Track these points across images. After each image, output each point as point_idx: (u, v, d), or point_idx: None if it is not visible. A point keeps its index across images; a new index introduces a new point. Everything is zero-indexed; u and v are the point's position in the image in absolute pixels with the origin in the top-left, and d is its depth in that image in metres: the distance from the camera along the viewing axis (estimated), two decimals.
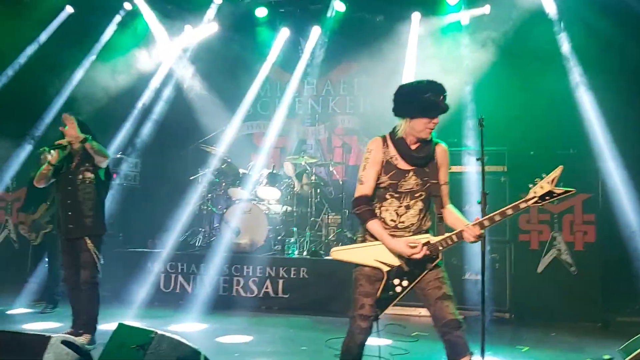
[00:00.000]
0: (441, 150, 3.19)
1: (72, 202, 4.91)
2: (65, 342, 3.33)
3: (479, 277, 6.69)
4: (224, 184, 8.27)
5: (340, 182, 8.71)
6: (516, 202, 3.00)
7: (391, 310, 6.51)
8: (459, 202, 6.33)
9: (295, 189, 8.11)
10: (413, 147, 3.12)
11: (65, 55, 9.17)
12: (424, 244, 3.03)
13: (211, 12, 9.42)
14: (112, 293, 7.13)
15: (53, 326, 5.77)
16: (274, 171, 8.27)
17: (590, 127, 7.22)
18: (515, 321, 6.55)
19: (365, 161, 3.15)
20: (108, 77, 9.50)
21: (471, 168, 6.82)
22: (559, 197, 2.97)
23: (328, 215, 8.15)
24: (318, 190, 8.19)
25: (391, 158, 3.12)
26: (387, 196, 3.14)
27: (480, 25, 8.19)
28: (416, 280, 3.05)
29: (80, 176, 4.93)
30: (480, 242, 3.99)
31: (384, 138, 3.17)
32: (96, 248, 4.91)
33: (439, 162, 3.18)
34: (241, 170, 8.33)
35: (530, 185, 3.02)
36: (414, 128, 3.04)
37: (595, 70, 7.30)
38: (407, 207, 3.12)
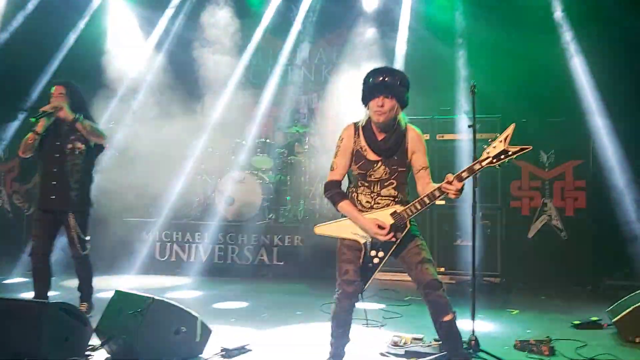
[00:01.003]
0: (413, 135, 3.24)
1: (58, 172, 4.62)
2: (63, 309, 3.38)
3: (470, 243, 6.84)
4: (217, 153, 8.27)
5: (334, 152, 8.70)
6: (470, 165, 3.02)
7: (384, 276, 6.64)
8: (451, 170, 6.35)
9: (287, 158, 8.11)
10: (380, 136, 3.20)
11: (54, 24, 9.05)
12: (391, 214, 3.13)
13: None
14: (108, 262, 7.19)
15: (49, 295, 5.82)
16: (267, 140, 8.26)
17: (582, 94, 7.22)
18: (505, 285, 6.67)
19: (337, 148, 3.27)
20: (98, 45, 9.42)
21: (463, 136, 6.84)
22: (514, 155, 2.96)
23: (322, 184, 8.17)
24: (311, 159, 8.21)
25: (361, 148, 3.21)
26: (359, 183, 3.25)
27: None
28: (391, 250, 3.16)
29: (70, 145, 4.64)
30: (471, 208, 4.10)
31: (356, 126, 3.25)
32: (81, 224, 4.70)
33: (410, 148, 3.22)
34: (234, 140, 8.31)
35: (484, 147, 3.03)
36: (370, 113, 3.15)
37: (587, 37, 7.26)
38: (379, 195, 3.22)
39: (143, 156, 8.42)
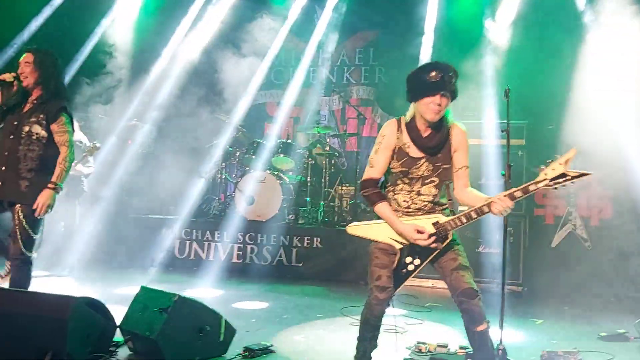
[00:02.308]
0: (457, 133, 3.15)
1: (10, 156, 3.95)
2: (89, 304, 3.37)
3: (493, 250, 6.77)
4: (238, 152, 8.27)
5: (354, 153, 8.67)
6: (525, 184, 2.92)
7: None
8: (476, 176, 6.32)
9: (308, 159, 8.08)
10: (425, 133, 3.10)
11: (83, 17, 9.12)
12: (434, 224, 3.03)
13: None
14: (128, 258, 7.22)
15: (69, 290, 5.85)
16: (288, 141, 8.24)
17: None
18: (528, 294, 6.57)
19: (378, 145, 3.16)
20: (124, 42, 9.49)
21: (489, 141, 6.77)
22: (573, 179, 2.85)
23: (342, 186, 8.15)
24: (332, 161, 8.17)
25: (403, 145, 3.11)
26: (399, 182, 3.15)
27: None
28: (428, 259, 3.07)
29: (27, 128, 3.96)
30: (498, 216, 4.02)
31: (398, 122, 3.17)
32: (30, 219, 3.90)
33: (454, 145, 3.14)
34: (255, 140, 8.31)
35: (542, 167, 2.92)
36: (420, 110, 3.05)
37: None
38: (419, 193, 3.13)
39: (165, 153, 8.47)
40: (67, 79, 8.72)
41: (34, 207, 3.85)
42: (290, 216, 7.79)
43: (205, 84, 9.33)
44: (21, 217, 3.87)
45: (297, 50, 9.79)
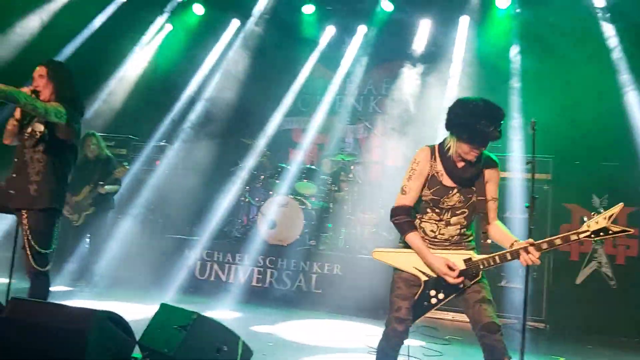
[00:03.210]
0: (490, 164, 3.11)
1: (19, 161, 3.90)
2: (110, 318, 3.41)
3: (515, 285, 6.67)
4: (262, 176, 8.34)
5: (378, 182, 8.69)
6: (567, 233, 2.91)
7: None
8: (500, 209, 6.25)
9: (331, 186, 8.11)
10: (460, 164, 3.05)
11: (115, 44, 9.41)
12: (465, 260, 2.98)
13: (259, 6, 9.53)
14: (149, 278, 7.27)
15: (90, 305, 5.91)
16: (312, 166, 8.30)
17: (637, 137, 7.04)
18: (550, 332, 6.44)
19: (412, 171, 3.09)
20: (154, 66, 9.74)
21: (514, 174, 6.74)
22: (615, 234, 2.85)
23: (364, 214, 8.14)
24: (355, 189, 8.18)
25: (437, 173, 3.06)
26: (428, 210, 3.10)
27: (530, 29, 8.06)
28: (452, 295, 3.01)
29: (30, 129, 3.89)
30: None
31: (432, 149, 3.11)
32: (37, 232, 3.79)
33: (486, 177, 3.10)
34: (279, 164, 8.38)
35: (585, 218, 2.92)
36: (460, 148, 2.99)
37: None
38: (448, 223, 3.08)
39: (191, 174, 8.59)
40: (100, 101, 9.01)
41: None
42: (312, 242, 7.80)
43: (232, 108, 9.50)
44: (27, 229, 3.77)
45: (324, 79, 9.92)
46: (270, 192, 8.03)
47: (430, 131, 8.61)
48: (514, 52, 8.10)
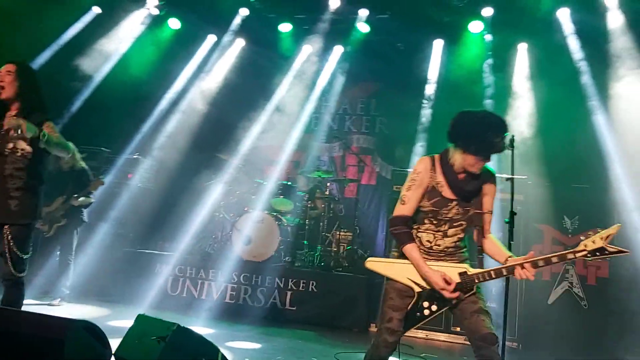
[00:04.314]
0: (489, 178, 3.12)
1: None
2: (86, 328, 3.30)
3: (490, 304, 6.71)
4: (237, 192, 8.27)
5: (353, 200, 8.72)
6: (564, 252, 2.92)
7: None
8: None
9: (307, 202, 8.10)
10: (461, 176, 3.04)
11: (88, 55, 9.28)
12: (461, 274, 2.97)
13: (235, 23, 9.55)
14: (119, 292, 7.09)
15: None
16: (289, 183, 8.27)
17: (608, 162, 7.23)
18: (523, 351, 6.49)
19: (412, 182, 3.07)
20: (128, 79, 9.62)
21: None
22: (611, 255, 2.88)
23: (339, 232, 8.13)
24: (331, 206, 8.19)
25: (437, 184, 3.05)
26: (426, 221, 3.09)
27: (501, 54, 8.27)
28: (446, 308, 3.00)
29: (11, 145, 3.82)
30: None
31: (432, 160, 3.09)
32: (19, 239, 3.79)
33: (485, 190, 3.11)
34: (255, 180, 8.33)
35: (582, 238, 2.96)
36: (465, 160, 2.97)
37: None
38: (445, 235, 3.07)
39: (164, 189, 8.47)
40: (74, 110, 8.85)
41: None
42: (287, 258, 7.74)
43: (208, 123, 9.44)
44: (10, 238, 3.75)
45: (300, 96, 9.95)
46: (245, 208, 7.96)
47: (405, 151, 8.73)
48: (487, 75, 8.29)
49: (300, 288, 7.08)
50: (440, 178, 3.06)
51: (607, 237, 2.85)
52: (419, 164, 3.09)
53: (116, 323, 5.69)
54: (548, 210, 7.01)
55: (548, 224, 6.98)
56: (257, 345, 5.47)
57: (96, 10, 9.37)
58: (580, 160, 7.23)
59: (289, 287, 7.10)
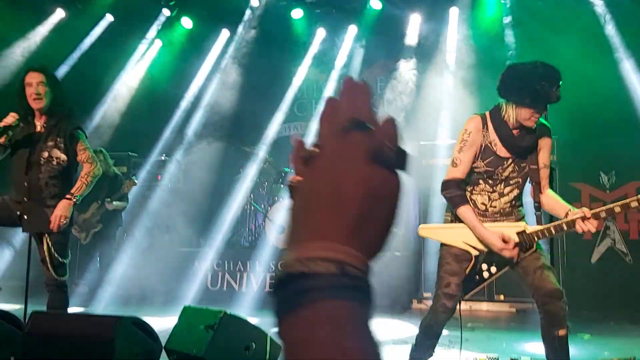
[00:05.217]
0: (544, 131, 3.02)
1: (31, 186, 3.81)
2: (135, 324, 3.34)
3: None
4: (265, 183, 8.29)
5: None
6: (626, 200, 2.82)
7: None
8: None
9: None
10: (516, 132, 2.94)
11: (107, 63, 9.39)
12: (519, 233, 2.88)
13: (247, 15, 9.53)
14: (161, 293, 7.18)
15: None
16: None
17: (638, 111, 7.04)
18: (571, 312, 6.37)
19: (463, 142, 2.96)
20: (147, 82, 9.71)
21: None
22: None
23: None
24: None
25: (490, 143, 2.95)
26: (481, 181, 2.99)
27: (521, 14, 8.07)
28: (505, 268, 2.93)
29: (46, 153, 3.81)
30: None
31: (483, 118, 2.98)
32: (59, 244, 3.81)
33: (540, 144, 3.01)
34: (282, 169, 8.33)
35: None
36: (520, 115, 2.87)
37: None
38: (501, 194, 2.98)
39: (193, 187, 8.53)
40: (97, 118, 8.96)
41: (51, 220, 3.74)
42: None
43: (229, 117, 9.46)
44: (50, 244, 3.78)
45: (319, 82, 9.90)
46: (275, 198, 7.97)
47: (430, 124, 8.62)
48: (508, 37, 8.11)
49: None
50: (493, 136, 2.95)
51: None
52: (469, 123, 2.98)
53: (162, 320, 5.75)
54: (583, 167, 6.87)
55: (584, 182, 6.83)
56: None
57: (109, 18, 9.43)
58: (610, 115, 7.02)
59: None
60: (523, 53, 7.76)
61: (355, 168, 0.60)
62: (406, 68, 9.37)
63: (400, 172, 0.62)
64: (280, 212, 7.62)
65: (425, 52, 8.93)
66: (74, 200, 3.84)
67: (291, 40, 9.68)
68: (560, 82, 2.83)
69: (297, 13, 9.38)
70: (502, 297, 6.66)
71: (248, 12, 9.52)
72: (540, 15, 7.79)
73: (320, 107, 0.66)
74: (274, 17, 9.42)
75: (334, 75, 9.74)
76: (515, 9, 8.11)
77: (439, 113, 8.28)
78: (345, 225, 0.58)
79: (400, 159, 0.62)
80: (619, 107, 7.06)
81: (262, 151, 8.66)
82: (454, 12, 8.75)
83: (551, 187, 3.92)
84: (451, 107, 8.16)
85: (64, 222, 3.78)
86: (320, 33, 9.71)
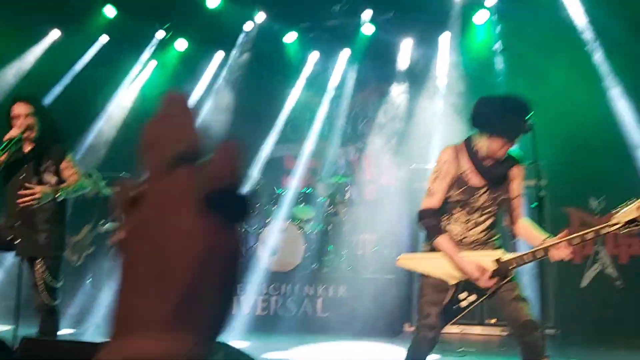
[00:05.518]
0: (516, 162, 3.11)
1: (23, 210, 3.77)
2: None
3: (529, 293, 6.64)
4: (257, 204, 8.30)
5: (374, 202, 8.69)
6: (598, 227, 2.90)
7: None
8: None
9: (329, 208, 8.10)
10: (488, 162, 3.01)
11: (101, 84, 9.43)
12: (495, 261, 2.94)
13: (241, 38, 9.64)
14: None
15: None
16: (308, 191, 8.28)
17: (630, 137, 7.13)
18: (561, 337, 6.41)
19: (437, 172, 3.04)
20: (141, 104, 9.74)
21: None
22: None
23: (364, 234, 8.12)
24: (352, 210, 8.18)
25: (464, 172, 3.02)
26: (456, 211, 3.05)
27: (510, 41, 8.20)
28: (484, 297, 2.97)
29: (37, 178, 3.84)
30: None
31: (457, 148, 3.06)
32: (51, 271, 3.80)
33: (512, 174, 3.09)
34: (275, 191, 8.36)
35: (614, 211, 2.94)
36: (492, 146, 2.95)
37: (632, 78, 7.22)
38: (476, 223, 3.04)
39: None
40: (90, 139, 8.97)
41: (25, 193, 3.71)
42: (314, 265, 7.74)
43: (222, 138, 9.47)
44: (43, 269, 3.77)
45: (312, 104, 9.98)
46: (267, 220, 7.99)
47: (421, 148, 8.69)
48: (498, 63, 8.23)
49: (330, 294, 7.07)
50: (466, 166, 3.02)
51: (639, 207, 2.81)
52: (443, 154, 3.06)
53: None
54: (573, 192, 6.94)
55: (574, 206, 6.90)
56: (294, 355, 5.48)
57: (104, 39, 9.49)
58: (600, 139, 7.12)
59: (319, 293, 7.09)
60: (512, 79, 7.89)
61: (181, 220, 0.45)
62: (398, 92, 9.48)
63: (240, 223, 0.47)
64: (273, 233, 7.63)
65: (417, 77, 9.05)
66: (57, 191, 3.81)
67: (284, 63, 9.77)
68: (530, 114, 2.92)
69: (290, 37, 9.49)
70: (493, 320, 6.68)
71: (242, 35, 9.62)
72: (530, 41, 7.91)
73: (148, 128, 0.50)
74: (268, 40, 9.51)
75: (328, 97, 9.84)
76: (505, 35, 8.24)
77: (430, 137, 8.36)
78: (169, 304, 0.44)
79: (239, 202, 0.47)
80: (609, 132, 7.15)
81: (254, 173, 8.68)
82: (444, 38, 8.88)
83: (541, 211, 4.00)
84: (442, 131, 8.24)
85: (34, 200, 3.72)
86: (314, 56, 9.82)
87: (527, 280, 6.61)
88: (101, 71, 9.35)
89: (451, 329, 6.72)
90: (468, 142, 3.06)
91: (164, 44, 9.74)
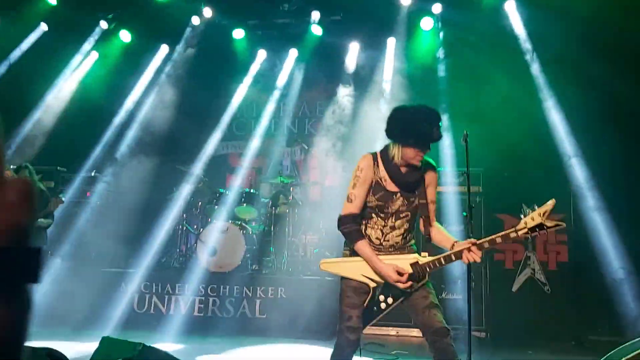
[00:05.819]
0: (430, 168, 3.24)
1: None
2: (49, 355, 3.23)
3: (456, 296, 6.84)
4: (200, 203, 8.20)
5: (318, 203, 8.74)
6: (506, 231, 3.06)
7: (369, 330, 6.56)
8: (437, 221, 6.41)
9: (272, 209, 8.07)
10: (403, 169, 3.15)
11: (39, 74, 9.09)
12: (412, 265, 3.06)
13: (188, 32, 9.47)
14: (84, 315, 6.94)
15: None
16: (251, 191, 8.24)
17: (563, 148, 7.43)
18: (491, 340, 6.61)
19: (356, 179, 3.16)
20: (81, 95, 9.45)
21: (447, 188, 6.94)
22: (549, 229, 3.02)
23: (306, 236, 8.14)
24: (295, 210, 8.18)
25: (380, 179, 3.14)
26: (373, 215, 3.17)
27: (453, 49, 8.39)
28: (401, 299, 3.08)
29: None
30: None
31: (374, 156, 3.19)
32: None
33: (427, 180, 3.22)
34: (217, 190, 8.26)
35: (522, 216, 3.08)
36: (405, 154, 3.09)
37: (566, 92, 7.51)
38: (392, 227, 3.16)
39: (124, 205, 8.33)
40: (25, 131, 8.65)
41: None
42: (254, 267, 7.71)
43: (165, 135, 9.32)
44: None
45: (258, 102, 9.92)
46: (209, 219, 7.90)
47: (365, 151, 8.76)
48: (440, 71, 8.41)
49: (269, 295, 7.05)
50: (383, 172, 3.15)
51: (544, 213, 2.99)
52: (362, 161, 3.18)
53: (82, 347, 5.57)
54: (506, 199, 7.15)
55: (508, 213, 7.12)
56: (229, 358, 5.44)
57: (44, 27, 9.15)
58: (533, 149, 7.37)
59: (258, 295, 7.06)
60: (454, 86, 8.08)
61: None
62: (343, 94, 9.54)
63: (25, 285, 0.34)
64: (213, 233, 7.55)
65: (363, 81, 9.13)
66: None
67: (231, 59, 9.66)
68: (440, 123, 3.06)
69: (238, 33, 9.39)
70: None
71: (189, 29, 9.46)
72: (472, 48, 8.11)
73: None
74: (215, 35, 9.39)
75: (275, 96, 9.80)
76: (449, 43, 8.42)
77: (374, 141, 8.45)
78: None
79: (24, 260, 0.33)
80: (544, 142, 7.43)
81: (197, 170, 8.56)
82: (390, 43, 9.00)
83: (471, 220, 4.15)
84: (385, 136, 8.33)
85: None
86: (262, 54, 9.76)
87: (460, 283, 6.86)
88: (40, 60, 9.00)
89: (388, 330, 6.87)
90: (384, 151, 3.20)
91: (106, 35, 9.46)
